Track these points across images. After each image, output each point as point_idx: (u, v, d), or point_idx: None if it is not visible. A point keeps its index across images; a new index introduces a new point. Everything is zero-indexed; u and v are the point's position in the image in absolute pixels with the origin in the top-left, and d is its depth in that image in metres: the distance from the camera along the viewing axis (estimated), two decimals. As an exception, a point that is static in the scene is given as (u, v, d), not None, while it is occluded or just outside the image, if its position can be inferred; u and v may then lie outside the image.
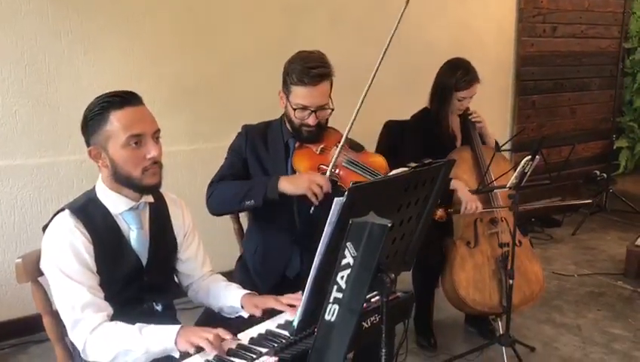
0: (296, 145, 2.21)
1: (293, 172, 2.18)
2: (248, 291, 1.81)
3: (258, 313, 1.66)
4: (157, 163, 1.62)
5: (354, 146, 2.28)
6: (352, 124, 2.14)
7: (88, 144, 1.62)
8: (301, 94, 2.08)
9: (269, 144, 2.25)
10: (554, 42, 5.12)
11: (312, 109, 2.09)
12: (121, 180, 1.61)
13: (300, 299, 1.64)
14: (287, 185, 2.05)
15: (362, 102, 2.13)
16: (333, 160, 2.09)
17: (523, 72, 5.00)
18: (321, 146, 2.18)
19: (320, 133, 2.18)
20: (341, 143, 2.12)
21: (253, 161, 2.22)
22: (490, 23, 4.73)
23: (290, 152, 2.23)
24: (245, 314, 1.75)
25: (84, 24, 3.08)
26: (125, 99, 1.59)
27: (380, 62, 2.12)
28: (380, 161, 2.21)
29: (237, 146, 2.26)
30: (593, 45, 5.40)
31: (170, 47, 3.34)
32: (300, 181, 2.04)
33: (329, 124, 2.25)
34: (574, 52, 5.28)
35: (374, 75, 2.14)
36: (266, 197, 2.06)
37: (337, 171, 2.12)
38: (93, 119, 1.58)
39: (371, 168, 2.13)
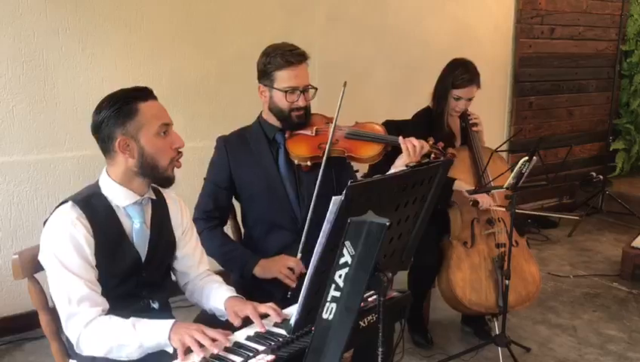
0: (287, 135, 2.23)
1: (290, 163, 2.21)
2: (235, 294, 1.79)
3: (237, 322, 1.65)
4: (180, 153, 1.69)
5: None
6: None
7: (112, 136, 1.61)
8: (288, 76, 2.13)
9: (252, 148, 2.24)
10: (552, 44, 5.13)
11: (301, 89, 2.15)
12: (147, 170, 1.64)
13: (275, 310, 1.64)
14: (260, 271, 2.11)
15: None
16: (331, 133, 2.17)
17: (520, 73, 5.01)
18: (315, 128, 2.24)
19: (308, 117, 2.23)
20: (335, 117, 2.20)
21: (240, 173, 2.22)
22: (488, 23, 4.73)
23: (278, 147, 2.24)
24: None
25: (81, 21, 3.07)
26: (147, 93, 1.65)
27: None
28: (376, 126, 2.31)
29: (218, 163, 2.25)
30: (591, 47, 5.41)
31: (167, 44, 3.34)
32: (271, 267, 2.09)
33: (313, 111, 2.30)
34: (572, 54, 5.29)
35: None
36: (243, 276, 2.14)
37: (342, 145, 2.20)
38: (121, 110, 1.59)
39: (373, 133, 2.24)
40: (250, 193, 2.23)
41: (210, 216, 2.22)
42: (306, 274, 2.00)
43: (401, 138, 2.18)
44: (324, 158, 2.14)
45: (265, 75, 2.17)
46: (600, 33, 5.43)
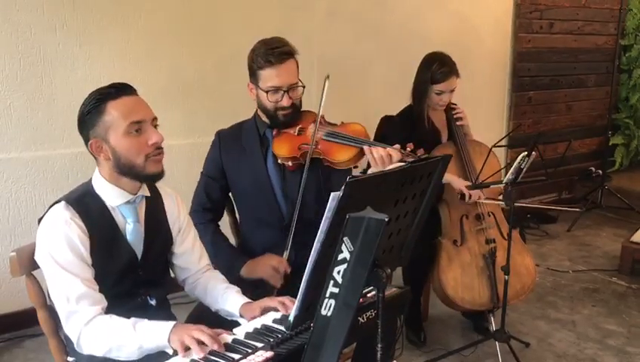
0: (274, 132, 2.20)
1: (275, 160, 2.17)
2: (247, 300, 1.78)
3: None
4: (159, 149, 1.63)
5: (330, 123, 2.27)
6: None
7: (87, 139, 1.61)
8: (270, 75, 2.07)
9: (244, 143, 2.23)
10: (551, 38, 5.13)
11: (284, 89, 2.09)
12: (125, 170, 1.61)
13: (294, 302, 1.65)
14: (247, 271, 2.09)
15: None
16: (312, 137, 2.09)
17: (519, 68, 5.00)
18: (299, 127, 2.18)
19: (296, 115, 2.18)
20: (317, 119, 2.12)
21: (231, 168, 2.22)
22: (487, 18, 4.72)
23: (268, 144, 2.21)
24: (242, 322, 1.73)
25: (79, 17, 3.06)
26: (120, 89, 1.60)
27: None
28: (358, 127, 2.19)
29: (211, 159, 2.26)
30: (590, 42, 5.40)
31: (166, 40, 3.33)
32: (258, 268, 2.08)
33: (305, 108, 2.25)
34: (571, 48, 5.28)
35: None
36: (229, 275, 2.06)
37: (321, 147, 2.12)
38: (90, 112, 1.58)
39: (350, 135, 2.12)
40: (240, 188, 2.24)
41: (204, 208, 2.22)
42: (290, 273, 2.00)
43: (366, 147, 2.05)
44: (307, 161, 2.08)
45: (251, 72, 2.14)
46: (599, 28, 5.43)
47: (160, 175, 1.66)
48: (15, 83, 2.95)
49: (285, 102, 2.11)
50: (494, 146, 2.77)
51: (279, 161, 2.17)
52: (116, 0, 3.15)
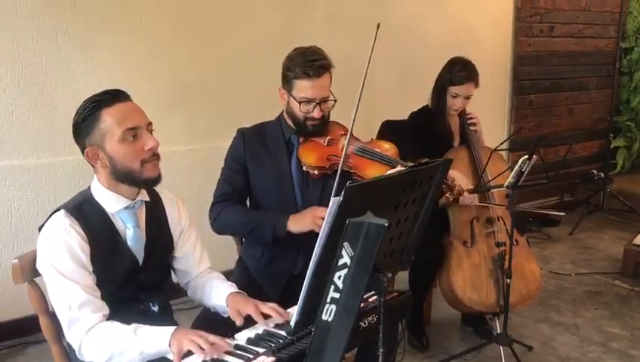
0: (301, 140, 2.21)
1: (300, 166, 2.18)
2: (237, 290, 1.79)
3: (239, 321, 1.63)
4: (155, 155, 1.63)
5: (359, 138, 2.29)
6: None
7: (83, 147, 1.61)
8: (305, 87, 2.10)
9: (269, 144, 2.24)
10: (551, 42, 5.13)
11: (317, 101, 2.12)
12: (121, 176, 1.62)
13: (278, 311, 1.64)
14: (293, 225, 2.08)
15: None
16: (345, 149, 2.10)
17: (520, 72, 5.01)
18: (329, 138, 2.21)
19: (324, 126, 2.20)
20: (349, 132, 2.14)
21: (254, 164, 2.22)
22: (487, 22, 4.73)
23: (293, 149, 2.23)
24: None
25: (80, 24, 3.07)
26: (114, 96, 1.60)
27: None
28: (390, 146, 2.24)
29: (235, 152, 2.25)
30: (590, 45, 5.40)
31: (166, 46, 3.33)
32: (304, 219, 2.07)
33: (331, 119, 2.26)
34: (571, 51, 5.28)
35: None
36: (275, 236, 2.11)
37: (351, 161, 2.14)
38: (85, 120, 1.58)
39: (383, 154, 2.16)
40: (260, 186, 2.24)
41: (227, 198, 2.22)
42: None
43: (400, 167, 2.08)
44: (339, 172, 2.08)
45: (285, 79, 2.16)
46: (599, 31, 5.43)
47: (157, 180, 1.67)
48: (17, 91, 2.96)
49: (316, 113, 2.14)
50: (495, 150, 2.77)
51: (304, 168, 2.17)
52: (117, 6, 3.16)
